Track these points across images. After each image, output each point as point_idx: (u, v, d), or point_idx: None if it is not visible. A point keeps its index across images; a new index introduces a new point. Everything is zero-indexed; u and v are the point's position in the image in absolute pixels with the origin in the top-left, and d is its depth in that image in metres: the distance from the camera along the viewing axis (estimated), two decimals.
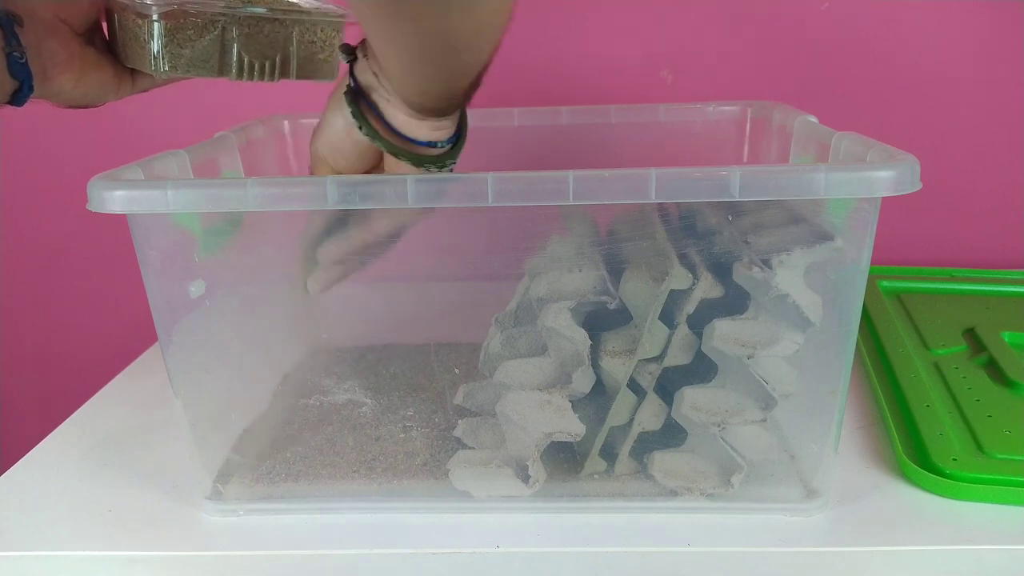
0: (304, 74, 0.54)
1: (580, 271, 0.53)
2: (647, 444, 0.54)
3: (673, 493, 0.52)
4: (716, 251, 0.51)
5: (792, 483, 0.53)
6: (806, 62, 0.85)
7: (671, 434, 0.54)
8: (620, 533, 0.51)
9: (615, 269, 0.53)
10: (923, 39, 0.84)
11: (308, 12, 0.53)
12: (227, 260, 0.56)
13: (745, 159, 0.74)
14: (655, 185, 0.43)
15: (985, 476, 0.52)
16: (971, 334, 0.71)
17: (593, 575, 0.50)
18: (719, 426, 0.51)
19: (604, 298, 0.52)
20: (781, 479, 0.53)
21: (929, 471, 0.53)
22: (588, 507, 0.53)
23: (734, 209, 0.51)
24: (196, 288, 0.53)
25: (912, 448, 0.56)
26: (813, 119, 0.61)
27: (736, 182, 0.43)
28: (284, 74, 0.53)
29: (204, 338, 0.55)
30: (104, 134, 0.90)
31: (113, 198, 0.45)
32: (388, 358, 0.71)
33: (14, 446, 0.66)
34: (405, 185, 0.44)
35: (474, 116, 0.73)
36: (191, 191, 0.46)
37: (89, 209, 0.46)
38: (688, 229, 0.52)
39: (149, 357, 0.78)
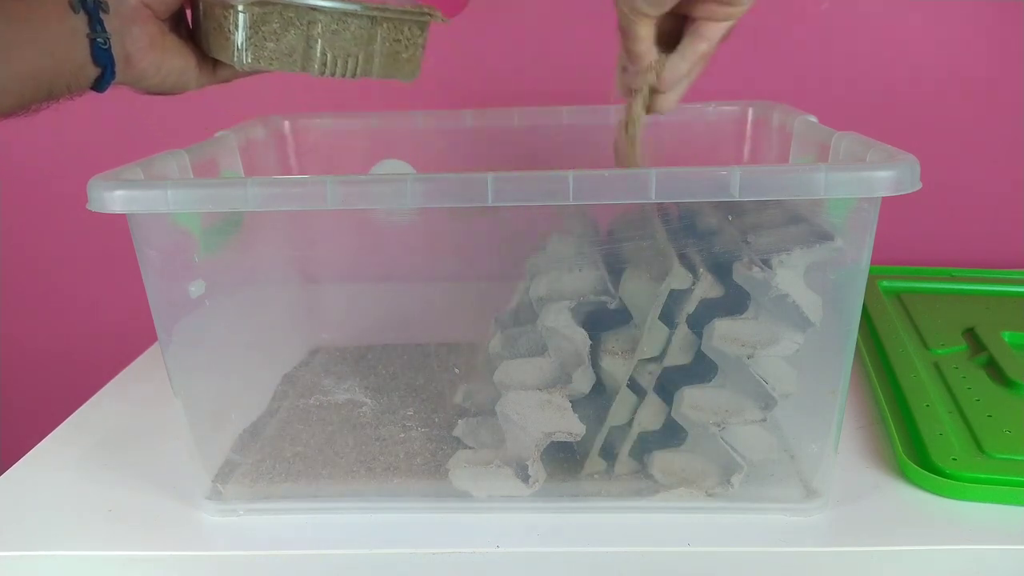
0: (386, 72, 0.53)
1: (580, 271, 0.53)
2: (647, 444, 0.54)
3: (673, 493, 0.52)
4: (716, 251, 0.51)
5: (792, 483, 0.53)
6: (806, 62, 0.85)
7: (671, 434, 0.54)
8: (620, 533, 0.51)
9: (615, 269, 0.53)
10: (923, 39, 0.84)
11: (395, 10, 0.52)
12: (227, 260, 0.56)
13: (745, 159, 0.74)
14: (655, 185, 0.43)
15: (985, 476, 0.52)
16: (971, 334, 0.71)
17: (593, 575, 0.50)
18: (719, 426, 0.51)
19: (604, 298, 0.51)
20: (781, 479, 0.53)
21: (929, 471, 0.53)
22: (588, 507, 0.53)
23: (734, 209, 0.51)
24: (196, 288, 0.53)
25: (912, 448, 0.56)
26: (813, 119, 0.61)
27: (736, 182, 0.43)
28: (366, 72, 0.53)
29: (204, 338, 0.55)
30: (104, 134, 0.90)
31: (113, 198, 0.45)
32: (388, 358, 0.71)
33: (14, 446, 0.66)
34: (405, 185, 0.44)
35: (474, 116, 0.74)
36: (191, 191, 0.46)
37: (89, 209, 0.46)
38: (688, 229, 0.52)
39: (149, 357, 0.78)
